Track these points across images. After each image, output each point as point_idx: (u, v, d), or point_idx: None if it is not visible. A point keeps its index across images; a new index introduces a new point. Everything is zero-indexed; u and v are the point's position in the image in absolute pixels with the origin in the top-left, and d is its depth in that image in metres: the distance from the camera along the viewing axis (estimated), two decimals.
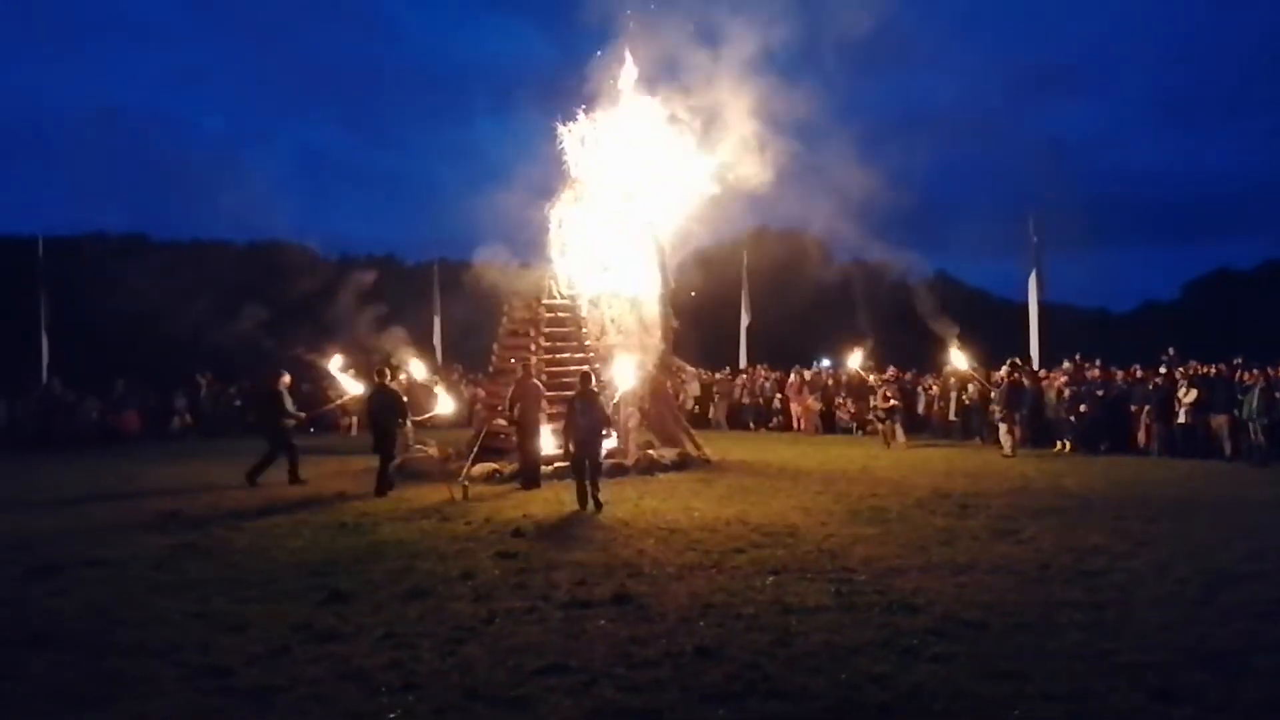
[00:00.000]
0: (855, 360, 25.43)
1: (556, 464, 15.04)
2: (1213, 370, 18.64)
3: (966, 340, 22.74)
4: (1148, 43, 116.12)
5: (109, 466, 18.07)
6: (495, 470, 15.10)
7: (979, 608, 7.36)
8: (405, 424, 14.89)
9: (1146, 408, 18.61)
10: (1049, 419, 19.90)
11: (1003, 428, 18.91)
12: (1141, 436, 18.69)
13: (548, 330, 17.01)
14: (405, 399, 15.26)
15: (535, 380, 14.85)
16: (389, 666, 6.10)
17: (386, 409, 14.32)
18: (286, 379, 16.45)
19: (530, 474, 14.37)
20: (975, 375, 21.44)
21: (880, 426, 21.11)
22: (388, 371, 15.26)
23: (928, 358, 24.73)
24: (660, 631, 6.81)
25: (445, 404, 16.96)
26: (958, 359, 21.71)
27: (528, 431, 14.39)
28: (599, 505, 12.37)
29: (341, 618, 7.24)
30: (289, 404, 16.01)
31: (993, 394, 19.75)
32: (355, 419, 23.07)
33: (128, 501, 13.56)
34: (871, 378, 23.60)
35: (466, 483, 13.72)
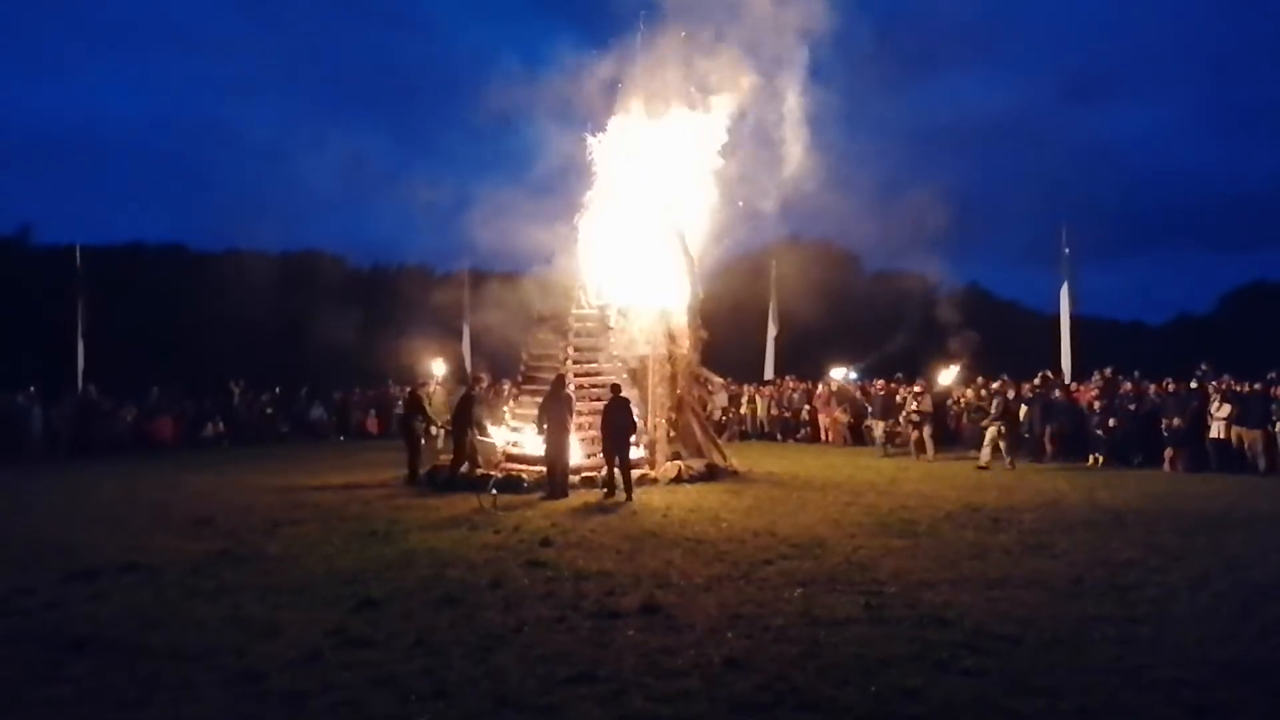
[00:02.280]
0: (839, 373, 25.95)
1: (584, 474, 15.12)
2: (1246, 387, 18.37)
3: (997, 352, 22.71)
4: (1188, 48, 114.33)
5: (144, 473, 18.33)
6: (524, 479, 15.14)
7: (1011, 622, 7.29)
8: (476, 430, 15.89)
9: (1179, 423, 18.31)
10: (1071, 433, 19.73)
11: (987, 436, 18.90)
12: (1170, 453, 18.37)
13: (576, 340, 17.07)
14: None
15: (565, 390, 14.92)
16: (420, 673, 6.15)
17: (461, 414, 15.84)
18: (430, 387, 17.35)
19: (558, 484, 14.41)
20: (968, 396, 21.84)
21: (910, 436, 20.95)
22: (481, 379, 17.14)
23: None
24: (689, 642, 6.81)
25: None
26: (947, 376, 21.92)
27: (556, 441, 14.46)
28: (629, 495, 14.00)
29: (373, 624, 7.31)
30: (428, 409, 17.13)
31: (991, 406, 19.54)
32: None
33: (163, 508, 13.75)
34: (900, 389, 23.49)
35: (495, 492, 13.78)
